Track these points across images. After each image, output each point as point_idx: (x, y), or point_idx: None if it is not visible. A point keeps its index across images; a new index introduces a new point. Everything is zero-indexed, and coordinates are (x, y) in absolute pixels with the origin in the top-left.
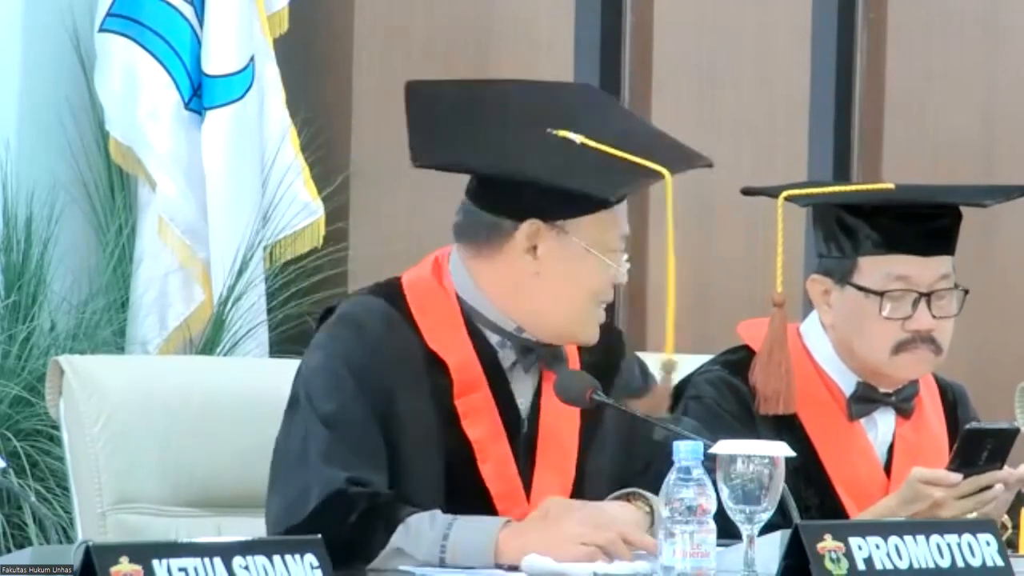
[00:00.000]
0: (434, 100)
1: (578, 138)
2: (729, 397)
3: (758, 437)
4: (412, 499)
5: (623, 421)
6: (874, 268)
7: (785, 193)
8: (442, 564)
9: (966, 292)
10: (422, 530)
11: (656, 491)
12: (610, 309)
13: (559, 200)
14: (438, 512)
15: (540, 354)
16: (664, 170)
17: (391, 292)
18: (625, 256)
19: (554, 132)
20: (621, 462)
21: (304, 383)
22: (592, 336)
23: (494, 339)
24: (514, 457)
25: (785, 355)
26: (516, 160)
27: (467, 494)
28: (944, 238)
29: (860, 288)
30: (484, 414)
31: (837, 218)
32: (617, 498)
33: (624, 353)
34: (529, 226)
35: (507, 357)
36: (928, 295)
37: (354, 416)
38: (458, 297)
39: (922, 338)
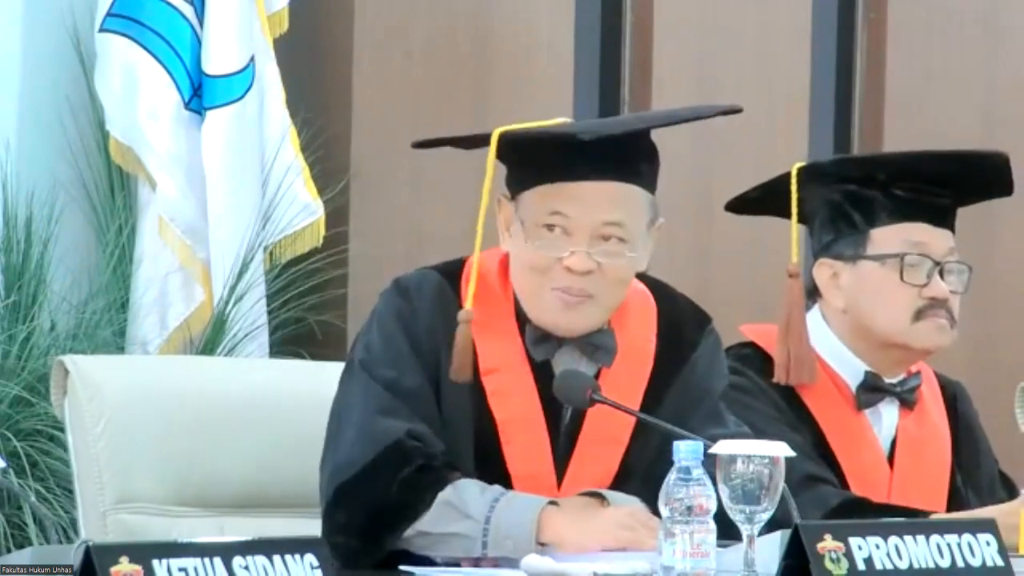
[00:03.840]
0: None
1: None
2: (746, 381)
3: (779, 416)
4: None
5: (676, 422)
6: (889, 236)
7: (798, 165)
8: (487, 524)
9: (971, 269)
10: (472, 492)
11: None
12: None
13: (511, 173)
14: (487, 485)
15: (572, 344)
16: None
17: (450, 268)
18: (589, 243)
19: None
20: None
21: (362, 350)
22: (559, 323)
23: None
24: (553, 444)
25: (803, 322)
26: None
27: (491, 473)
28: (948, 213)
29: (876, 258)
30: (516, 397)
31: (847, 193)
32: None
33: (696, 347)
34: (499, 204)
35: (548, 349)
36: (941, 266)
37: (412, 383)
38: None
39: (939, 305)
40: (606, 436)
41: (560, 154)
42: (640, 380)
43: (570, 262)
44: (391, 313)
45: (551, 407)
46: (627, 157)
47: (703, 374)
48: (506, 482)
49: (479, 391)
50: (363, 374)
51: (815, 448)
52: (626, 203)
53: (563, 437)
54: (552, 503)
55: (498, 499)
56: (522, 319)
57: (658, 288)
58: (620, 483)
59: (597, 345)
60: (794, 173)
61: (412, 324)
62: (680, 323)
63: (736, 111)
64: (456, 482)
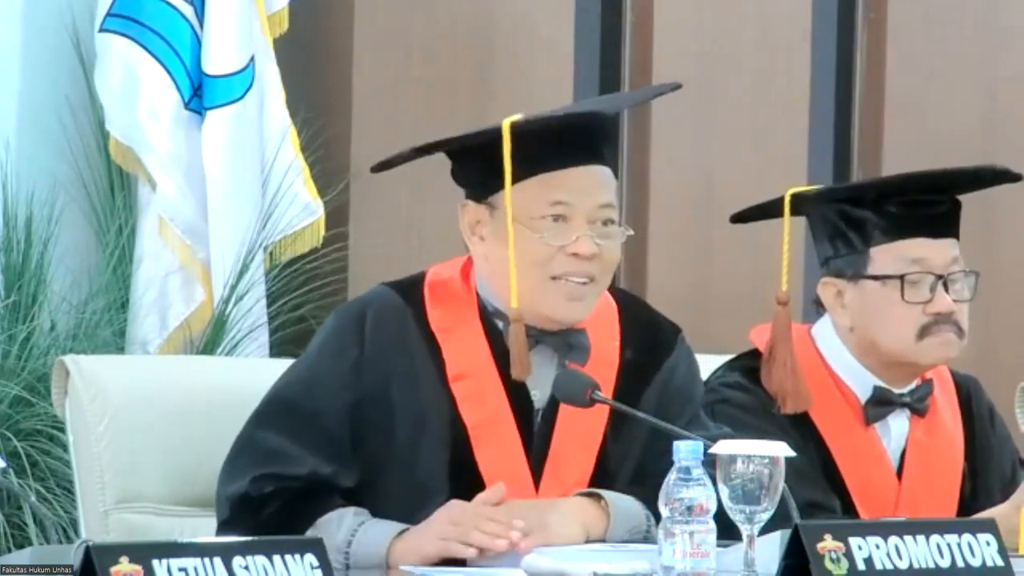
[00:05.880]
0: None
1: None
2: (751, 399)
3: (783, 438)
4: (414, 482)
5: (659, 418)
6: (888, 255)
7: (792, 190)
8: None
9: (977, 275)
10: (329, 534)
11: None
12: None
13: (479, 176)
14: (349, 513)
15: (547, 343)
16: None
17: (407, 283)
18: (596, 224)
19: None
20: (648, 459)
21: (280, 379)
22: (565, 314)
23: (504, 328)
24: (527, 446)
25: (790, 353)
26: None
27: (465, 479)
28: (948, 221)
29: (877, 278)
30: (485, 400)
31: (841, 213)
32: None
33: (671, 352)
34: (462, 208)
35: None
36: (943, 278)
37: (318, 406)
38: (478, 293)
39: (944, 320)
40: (580, 436)
41: (551, 142)
42: (608, 382)
43: (577, 248)
44: (326, 335)
45: (521, 410)
46: (601, 140)
47: (683, 379)
48: (480, 486)
49: (449, 398)
50: (262, 404)
51: (821, 466)
52: (611, 185)
53: (536, 439)
54: (403, 531)
55: (351, 541)
56: (487, 322)
57: (624, 294)
58: (599, 483)
59: (572, 344)
60: (787, 199)
61: (349, 346)
62: (653, 328)
63: (676, 87)
64: (316, 523)
